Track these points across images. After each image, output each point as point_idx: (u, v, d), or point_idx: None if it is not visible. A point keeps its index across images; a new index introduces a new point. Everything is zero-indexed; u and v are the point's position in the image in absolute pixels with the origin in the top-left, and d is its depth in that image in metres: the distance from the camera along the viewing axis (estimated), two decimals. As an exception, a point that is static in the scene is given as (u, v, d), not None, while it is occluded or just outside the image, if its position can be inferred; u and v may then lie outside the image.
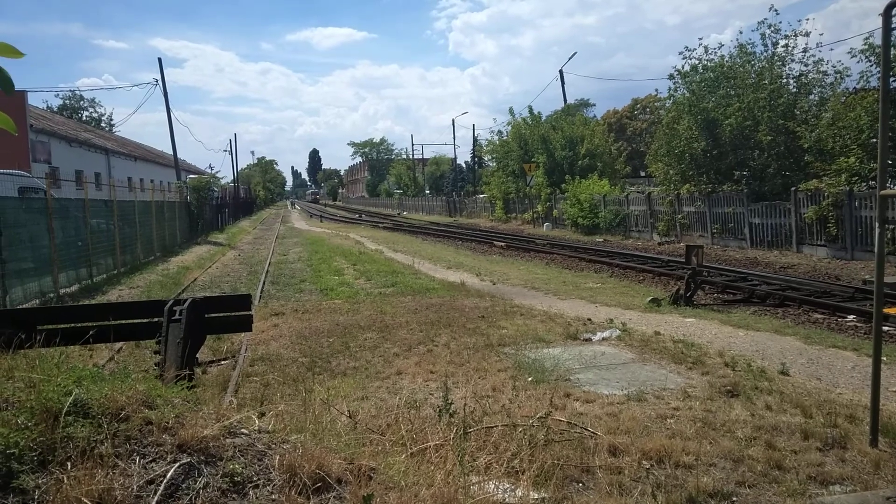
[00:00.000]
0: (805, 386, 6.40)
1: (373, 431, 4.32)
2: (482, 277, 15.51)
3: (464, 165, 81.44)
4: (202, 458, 2.68)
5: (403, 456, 3.56)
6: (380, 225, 42.25)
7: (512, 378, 6.58)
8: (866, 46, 18.41)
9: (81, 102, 59.77)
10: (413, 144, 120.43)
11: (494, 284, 14.37)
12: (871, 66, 18.33)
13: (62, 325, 5.65)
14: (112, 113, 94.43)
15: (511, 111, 42.74)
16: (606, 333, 8.74)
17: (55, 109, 53.70)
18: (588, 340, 8.49)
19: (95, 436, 2.63)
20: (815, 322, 10.05)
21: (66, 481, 2.36)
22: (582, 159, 35.38)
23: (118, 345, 8.32)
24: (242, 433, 2.99)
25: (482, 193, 51.10)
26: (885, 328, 8.95)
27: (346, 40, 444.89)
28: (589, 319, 9.86)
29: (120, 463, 2.54)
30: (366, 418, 4.94)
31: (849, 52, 20.09)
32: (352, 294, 13.12)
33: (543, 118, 40.97)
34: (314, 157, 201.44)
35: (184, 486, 2.51)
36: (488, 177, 47.57)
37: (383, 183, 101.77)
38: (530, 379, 6.62)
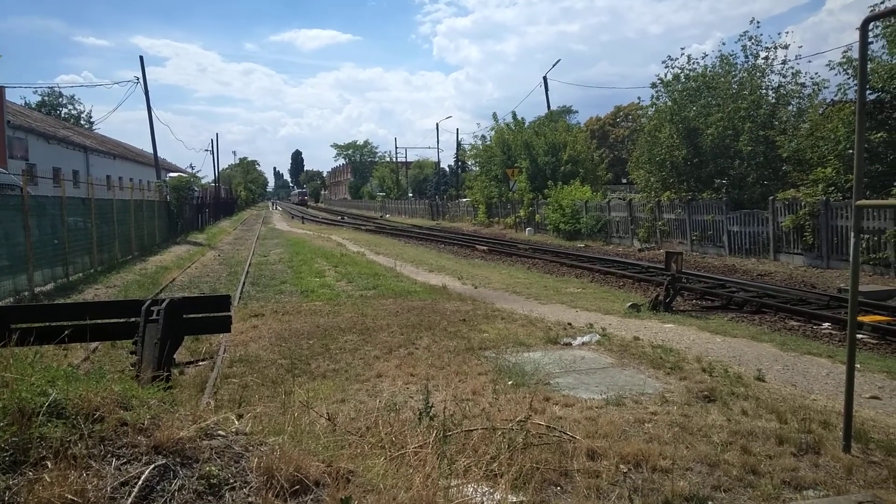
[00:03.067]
0: (780, 392, 6.48)
1: (352, 434, 4.31)
2: (464, 281, 15.53)
3: (447, 169, 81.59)
4: (178, 459, 2.65)
5: (382, 459, 3.55)
6: (362, 227, 42.13)
7: (492, 382, 6.59)
8: (844, 60, 18.76)
9: (60, 99, 58.90)
10: (397, 147, 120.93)
11: (476, 288, 14.39)
12: (849, 78, 18.67)
13: (37, 324, 5.56)
14: (91, 110, 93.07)
15: (494, 116, 42.94)
16: (586, 338, 8.78)
17: (33, 106, 52.85)
18: (568, 345, 8.53)
19: (69, 436, 2.59)
20: (790, 329, 10.20)
21: (39, 482, 2.32)
22: (564, 165, 35.60)
23: (94, 345, 8.21)
24: (219, 435, 2.96)
25: (465, 197, 51.19)
26: (859, 336, 9.11)
27: (330, 42, 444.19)
28: (569, 324, 9.91)
29: (94, 464, 2.51)
30: (345, 421, 4.92)
31: (827, 65, 20.46)
32: (333, 296, 13.06)
33: (527, 124, 41.19)
34: (297, 158, 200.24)
35: (158, 488, 2.48)
36: (471, 181, 47.67)
37: (366, 185, 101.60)
38: (510, 383, 6.64)
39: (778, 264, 18.64)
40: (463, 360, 7.65)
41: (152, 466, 2.55)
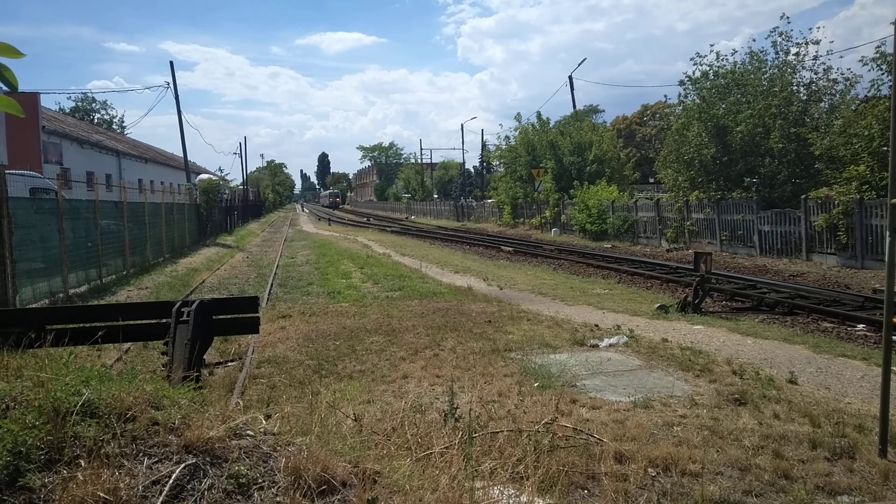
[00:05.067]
0: (813, 395, 6.35)
1: (378, 435, 4.32)
2: (489, 282, 15.50)
3: (472, 170, 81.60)
4: (207, 459, 2.69)
5: (408, 460, 3.56)
6: (388, 229, 42.31)
7: (518, 383, 6.56)
8: (878, 55, 18.34)
9: (93, 104, 60.33)
10: (422, 149, 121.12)
11: (501, 289, 14.35)
12: (883, 74, 18.24)
13: (71, 325, 5.68)
14: (123, 115, 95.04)
15: (518, 117, 42.79)
16: (613, 340, 8.71)
17: (67, 111, 54.14)
18: (595, 346, 8.47)
19: (102, 435, 2.64)
20: (824, 331, 9.98)
21: (73, 480, 2.37)
22: (590, 165, 35.33)
23: (126, 345, 8.37)
24: (248, 435, 3.00)
25: (490, 198, 51.08)
26: (895, 338, 8.87)
27: (354, 45, 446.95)
28: (596, 325, 9.83)
29: (126, 463, 2.55)
30: (371, 422, 4.95)
31: (860, 61, 20.04)
32: (359, 297, 13.13)
33: (552, 124, 41.00)
34: (323, 160, 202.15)
35: (189, 486, 2.52)
36: (496, 182, 47.57)
37: (392, 187, 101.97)
38: (536, 384, 6.61)
39: (811, 264, 18.26)
40: (488, 361, 7.63)
41: (183, 465, 2.59)
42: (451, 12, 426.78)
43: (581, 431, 5.00)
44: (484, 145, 63.93)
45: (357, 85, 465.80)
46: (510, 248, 24.88)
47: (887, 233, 4.82)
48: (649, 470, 4.44)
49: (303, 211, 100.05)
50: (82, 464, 2.46)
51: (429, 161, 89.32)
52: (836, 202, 17.70)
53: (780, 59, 23.56)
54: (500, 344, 8.52)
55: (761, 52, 24.15)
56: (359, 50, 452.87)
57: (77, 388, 2.84)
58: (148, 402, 2.97)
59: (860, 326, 9.98)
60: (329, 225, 51.18)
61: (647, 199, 28.61)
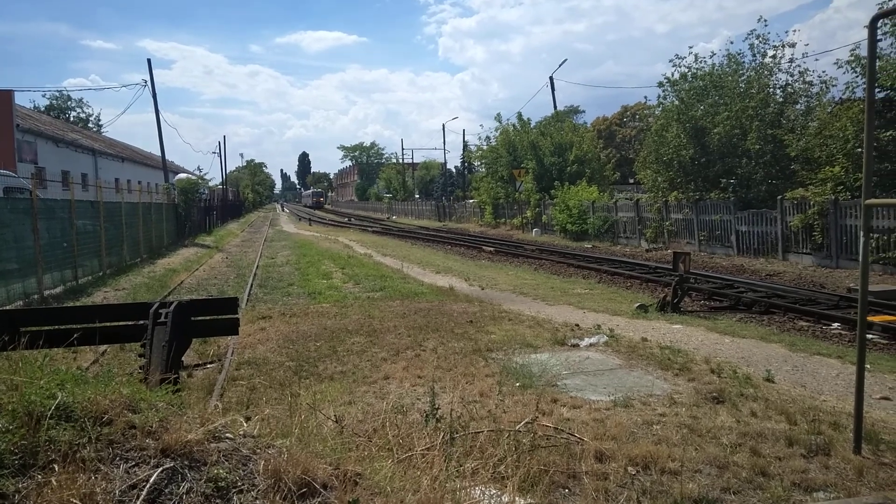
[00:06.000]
0: (790, 393, 6.44)
1: (359, 436, 4.31)
2: (471, 282, 15.52)
3: (454, 170, 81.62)
4: (186, 462, 2.66)
5: (390, 461, 3.55)
6: (369, 229, 42.18)
7: (499, 383, 6.57)
8: (852, 58, 18.64)
9: (69, 103, 59.32)
10: (403, 149, 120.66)
11: (483, 289, 14.38)
12: (857, 76, 18.56)
13: (46, 327, 5.58)
14: (100, 113, 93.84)
15: (498, 117, 42.88)
16: (594, 339, 8.76)
17: (42, 109, 53.22)
18: (576, 346, 8.51)
19: (78, 440, 2.60)
20: (800, 329, 10.13)
21: (48, 485, 2.33)
22: (571, 165, 35.53)
23: (103, 347, 8.25)
24: (227, 438, 2.97)
25: (472, 198, 51.15)
26: (869, 336, 9.04)
27: (335, 44, 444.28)
28: (577, 325, 9.88)
29: (102, 467, 2.51)
30: (352, 423, 4.93)
31: (835, 63, 20.42)
32: (340, 298, 13.08)
33: (533, 124, 41.12)
34: (303, 160, 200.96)
35: (167, 491, 2.49)
36: (478, 182, 47.63)
37: (373, 187, 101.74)
38: (518, 384, 6.63)
39: (787, 264, 18.54)
40: (470, 361, 7.64)
41: (160, 469, 2.55)
42: (433, 12, 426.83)
43: (562, 431, 5.03)
44: (465, 145, 64.06)
45: (338, 84, 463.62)
46: (492, 248, 24.93)
47: (861, 233, 4.91)
48: (629, 468, 4.47)
49: (283, 211, 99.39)
50: (57, 468, 2.42)
51: (410, 161, 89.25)
52: (812, 203, 17.99)
53: (758, 62, 23.90)
54: (481, 344, 8.53)
55: (739, 54, 24.48)
56: (339, 49, 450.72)
57: (52, 392, 2.79)
58: (125, 406, 2.92)
59: (835, 325, 10.15)
60: (310, 225, 50.91)
61: (626, 199, 28.84)
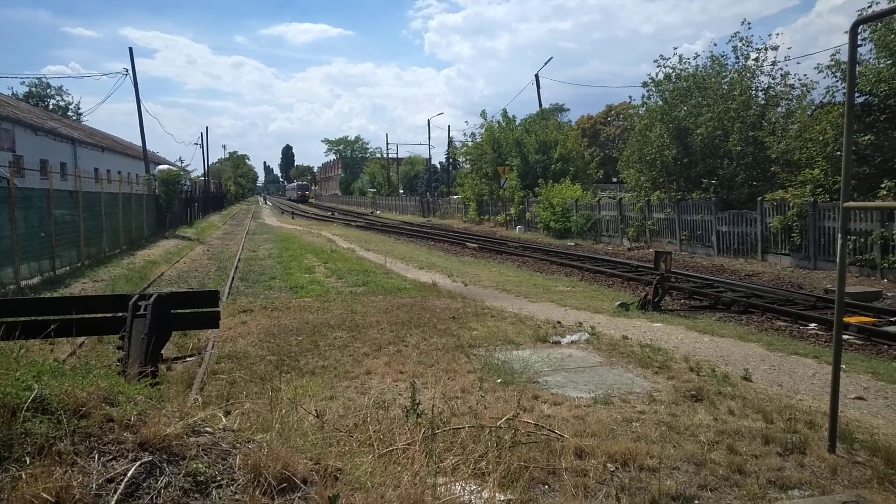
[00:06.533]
0: (767, 392, 6.53)
1: (340, 431, 4.30)
2: (454, 278, 15.53)
3: (438, 166, 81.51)
4: (164, 456, 2.63)
5: (371, 456, 3.54)
6: (353, 223, 42.03)
7: (481, 379, 6.59)
8: (833, 62, 18.92)
9: (48, 90, 58.25)
10: (388, 143, 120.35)
11: (466, 286, 14.39)
12: (837, 81, 18.82)
13: (22, 318, 5.50)
14: (80, 102, 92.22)
15: (483, 114, 42.90)
16: (575, 337, 8.81)
17: (21, 97, 52.25)
18: (557, 343, 8.56)
19: (54, 432, 2.56)
20: (777, 329, 10.27)
21: (23, 478, 2.30)
22: (555, 163, 35.67)
23: (80, 339, 8.15)
24: (206, 432, 2.94)
25: (456, 194, 51.16)
26: (845, 337, 9.19)
27: (321, 36, 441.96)
28: (559, 322, 9.93)
29: (79, 461, 2.48)
30: (333, 418, 4.91)
31: (816, 67, 20.63)
32: (322, 292, 13.02)
33: (518, 122, 41.23)
34: (287, 153, 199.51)
35: (144, 485, 2.46)
36: (462, 178, 47.66)
37: (357, 181, 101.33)
38: (499, 381, 6.65)
39: (766, 265, 18.77)
40: (452, 357, 7.65)
41: (138, 463, 2.53)
42: (419, 7, 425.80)
43: (542, 427, 5.05)
44: (450, 141, 63.89)
45: (323, 77, 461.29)
46: (475, 245, 24.96)
47: (839, 235, 4.98)
48: (608, 465, 4.51)
49: (266, 204, 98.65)
50: (33, 461, 2.39)
51: (395, 156, 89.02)
52: (791, 204, 18.23)
53: (740, 64, 24.13)
54: (463, 340, 8.54)
55: (722, 56, 24.73)
56: (325, 42, 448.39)
57: (28, 384, 2.75)
58: (102, 398, 2.89)
59: (812, 325, 10.30)
60: (292, 219, 50.60)
61: (610, 198, 29.01)
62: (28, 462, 2.39)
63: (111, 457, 2.57)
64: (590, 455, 4.64)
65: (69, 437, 2.56)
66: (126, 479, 2.43)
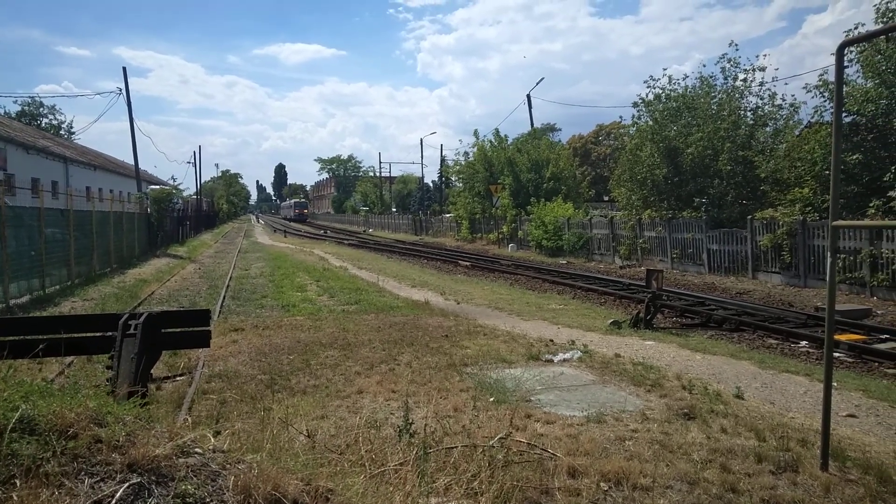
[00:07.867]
0: (759, 410, 6.53)
1: (332, 451, 4.26)
2: (447, 297, 15.51)
3: (431, 185, 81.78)
4: (153, 478, 2.60)
5: (362, 477, 3.52)
6: (345, 242, 42.00)
7: (473, 398, 6.56)
8: (820, 83, 19.17)
9: (41, 109, 58.19)
10: (381, 162, 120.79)
11: (458, 304, 14.38)
12: (825, 101, 19.07)
13: (10, 338, 5.45)
14: (72, 121, 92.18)
15: (476, 133, 43.27)
16: (568, 355, 8.80)
17: (13, 115, 52.19)
18: (550, 361, 8.54)
19: (42, 453, 2.53)
20: (769, 347, 10.30)
21: (8, 501, 2.26)
22: (547, 182, 35.87)
23: (69, 359, 8.07)
24: (196, 452, 2.91)
25: (448, 213, 51.27)
26: (836, 354, 9.22)
27: (314, 56, 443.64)
28: (551, 340, 9.92)
29: (67, 482, 2.45)
30: (325, 438, 4.88)
31: (804, 88, 20.96)
32: (314, 311, 12.97)
33: (510, 141, 41.51)
34: (280, 171, 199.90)
35: (133, 506, 2.43)
36: (455, 197, 47.78)
37: (350, 200, 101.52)
38: (492, 399, 6.62)
39: (756, 283, 18.86)
40: (444, 376, 7.62)
41: (127, 485, 2.50)
42: (412, 28, 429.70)
43: (535, 446, 5.03)
44: (443, 160, 64.23)
45: (316, 97, 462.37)
46: (468, 263, 24.98)
47: (828, 253, 5.02)
48: (602, 484, 4.48)
49: (258, 222, 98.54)
50: (19, 483, 2.35)
51: (388, 175, 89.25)
52: (781, 223, 18.37)
53: (729, 85, 24.43)
54: (456, 359, 8.51)
55: (711, 77, 25.02)
56: (318, 62, 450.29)
57: (15, 404, 2.71)
58: (91, 419, 2.86)
59: (803, 343, 10.34)
60: (285, 237, 50.52)
61: (601, 216, 29.15)
62: (14, 484, 2.36)
63: (99, 478, 2.53)
64: (583, 474, 4.61)
65: (57, 458, 2.53)
66: (114, 501, 2.40)
